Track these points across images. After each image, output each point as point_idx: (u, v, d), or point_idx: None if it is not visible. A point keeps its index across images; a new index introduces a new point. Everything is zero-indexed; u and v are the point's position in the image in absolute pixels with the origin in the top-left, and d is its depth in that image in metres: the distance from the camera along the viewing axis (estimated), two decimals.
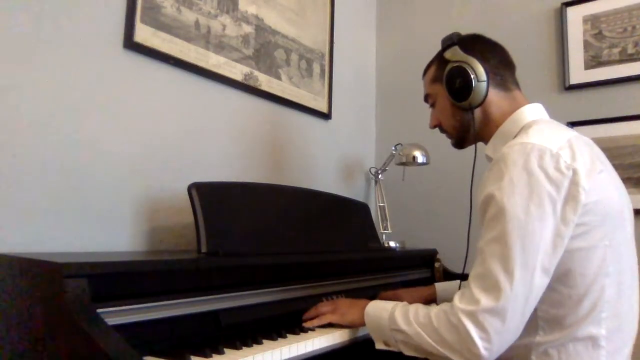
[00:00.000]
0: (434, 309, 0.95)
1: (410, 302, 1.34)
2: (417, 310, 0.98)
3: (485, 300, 0.86)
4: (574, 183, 0.87)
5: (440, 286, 1.42)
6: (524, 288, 0.86)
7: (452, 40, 1.09)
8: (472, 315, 0.87)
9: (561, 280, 0.90)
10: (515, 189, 0.88)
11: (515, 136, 1.00)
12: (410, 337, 0.96)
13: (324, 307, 1.16)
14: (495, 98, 1.07)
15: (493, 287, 0.87)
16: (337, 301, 1.19)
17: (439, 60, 1.13)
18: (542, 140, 0.91)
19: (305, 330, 1.08)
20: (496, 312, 0.85)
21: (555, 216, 0.87)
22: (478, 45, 1.09)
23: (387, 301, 1.08)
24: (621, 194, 0.99)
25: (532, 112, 1.05)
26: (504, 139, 1.02)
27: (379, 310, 1.05)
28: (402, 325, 0.97)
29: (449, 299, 1.31)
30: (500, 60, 1.09)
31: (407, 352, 0.98)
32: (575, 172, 0.88)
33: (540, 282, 0.88)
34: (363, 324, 1.08)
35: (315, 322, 1.12)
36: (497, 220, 0.90)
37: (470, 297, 0.89)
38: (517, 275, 0.86)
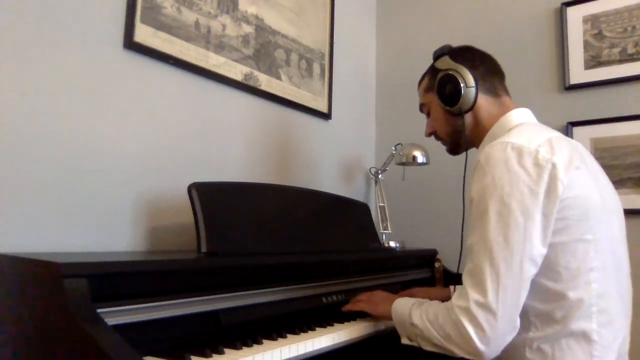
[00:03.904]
0: (440, 306, 0.99)
1: None
2: (429, 307, 1.02)
3: (475, 296, 0.90)
4: (553, 176, 0.91)
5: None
6: (511, 280, 0.89)
7: (443, 51, 1.16)
8: (466, 311, 0.91)
9: (546, 274, 0.92)
10: (497, 186, 0.92)
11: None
12: (422, 331, 1.00)
13: (361, 295, 1.27)
14: (485, 103, 1.12)
15: (481, 282, 0.91)
16: (374, 292, 1.28)
17: (431, 70, 1.21)
18: (522, 140, 0.95)
19: (305, 330, 1.08)
20: (486, 306, 0.89)
21: (537, 209, 0.90)
22: (467, 54, 1.15)
23: (409, 299, 1.12)
24: (603, 190, 1.01)
25: (519, 115, 1.10)
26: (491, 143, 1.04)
27: (402, 306, 1.10)
28: (416, 320, 1.02)
29: None
30: (489, 67, 1.15)
31: (426, 347, 1.02)
32: (554, 165, 0.91)
33: (529, 273, 0.91)
34: (390, 318, 1.12)
35: (348, 307, 1.24)
36: (481, 218, 0.94)
37: (464, 294, 0.93)
38: (502, 270, 0.89)
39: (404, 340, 1.07)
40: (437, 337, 0.96)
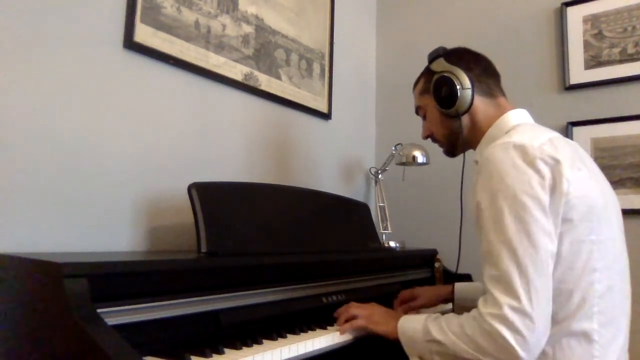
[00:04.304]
0: (463, 317, 0.95)
1: (427, 301, 1.37)
2: (449, 320, 0.98)
3: (508, 300, 0.87)
4: (558, 172, 0.91)
5: (459, 286, 1.42)
6: (541, 279, 0.87)
7: (438, 54, 1.16)
8: (502, 319, 0.87)
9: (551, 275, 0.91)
10: (507, 186, 0.91)
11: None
12: (446, 346, 0.95)
13: (357, 310, 1.16)
14: (481, 105, 1.12)
15: (512, 287, 0.87)
16: (371, 307, 1.19)
17: (426, 73, 1.20)
18: (524, 139, 0.95)
19: (305, 330, 1.08)
20: (522, 310, 0.86)
21: (548, 205, 0.90)
22: (462, 56, 1.15)
23: (417, 315, 1.08)
24: (604, 191, 1.01)
25: (516, 116, 1.09)
26: (489, 144, 1.04)
27: (412, 322, 1.05)
28: (437, 335, 0.97)
29: (466, 299, 1.31)
30: (484, 69, 1.14)
31: None
32: (558, 162, 0.91)
33: (551, 269, 0.89)
34: (396, 337, 1.07)
35: (347, 327, 1.12)
36: (496, 221, 0.92)
37: (494, 301, 0.89)
38: (530, 270, 0.87)
39: None
40: (466, 350, 0.91)
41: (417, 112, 1.27)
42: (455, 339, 0.94)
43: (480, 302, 0.92)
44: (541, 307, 0.86)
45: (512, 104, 1.14)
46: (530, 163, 0.91)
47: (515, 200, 0.90)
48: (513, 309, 0.86)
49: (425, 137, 1.25)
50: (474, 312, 0.94)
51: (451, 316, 0.99)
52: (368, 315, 1.15)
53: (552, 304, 0.91)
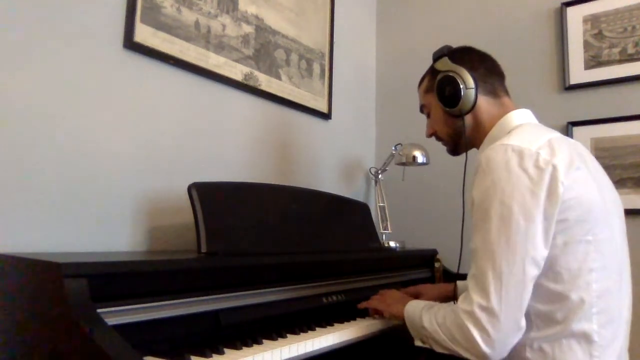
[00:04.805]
0: (448, 309, 1.00)
1: (431, 299, 1.40)
2: (438, 310, 1.03)
3: (478, 299, 0.91)
4: (554, 178, 0.91)
5: (461, 284, 1.43)
6: (514, 282, 0.90)
7: (443, 52, 1.16)
8: (470, 315, 0.91)
9: (547, 275, 0.93)
10: (497, 189, 0.93)
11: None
12: (431, 334, 1.01)
13: (377, 294, 1.31)
14: (485, 104, 1.12)
15: (484, 286, 0.91)
16: (388, 291, 1.33)
17: (431, 71, 1.21)
18: (522, 142, 0.96)
19: (305, 330, 1.09)
20: (489, 309, 0.90)
21: (539, 211, 0.91)
22: (467, 55, 1.15)
23: (420, 302, 1.13)
24: (604, 191, 1.02)
25: (519, 116, 1.10)
26: (492, 144, 1.04)
27: (414, 308, 1.11)
28: (426, 323, 1.03)
29: None
30: (489, 68, 1.15)
31: (437, 349, 1.02)
32: (554, 167, 0.92)
33: (531, 274, 0.91)
34: (402, 320, 1.13)
35: (363, 305, 1.28)
36: (483, 221, 0.94)
37: (468, 298, 0.94)
38: (504, 272, 0.90)
39: (417, 343, 1.08)
40: (444, 339, 0.97)
41: (421, 110, 1.28)
42: (437, 328, 1.00)
43: (460, 297, 0.97)
44: (510, 308, 0.89)
45: (517, 104, 1.14)
46: (525, 168, 0.92)
47: (503, 204, 0.91)
48: (481, 307, 0.90)
49: (429, 136, 1.26)
50: (454, 305, 0.98)
51: (443, 306, 1.03)
52: (382, 298, 1.27)
53: (549, 304, 0.93)
